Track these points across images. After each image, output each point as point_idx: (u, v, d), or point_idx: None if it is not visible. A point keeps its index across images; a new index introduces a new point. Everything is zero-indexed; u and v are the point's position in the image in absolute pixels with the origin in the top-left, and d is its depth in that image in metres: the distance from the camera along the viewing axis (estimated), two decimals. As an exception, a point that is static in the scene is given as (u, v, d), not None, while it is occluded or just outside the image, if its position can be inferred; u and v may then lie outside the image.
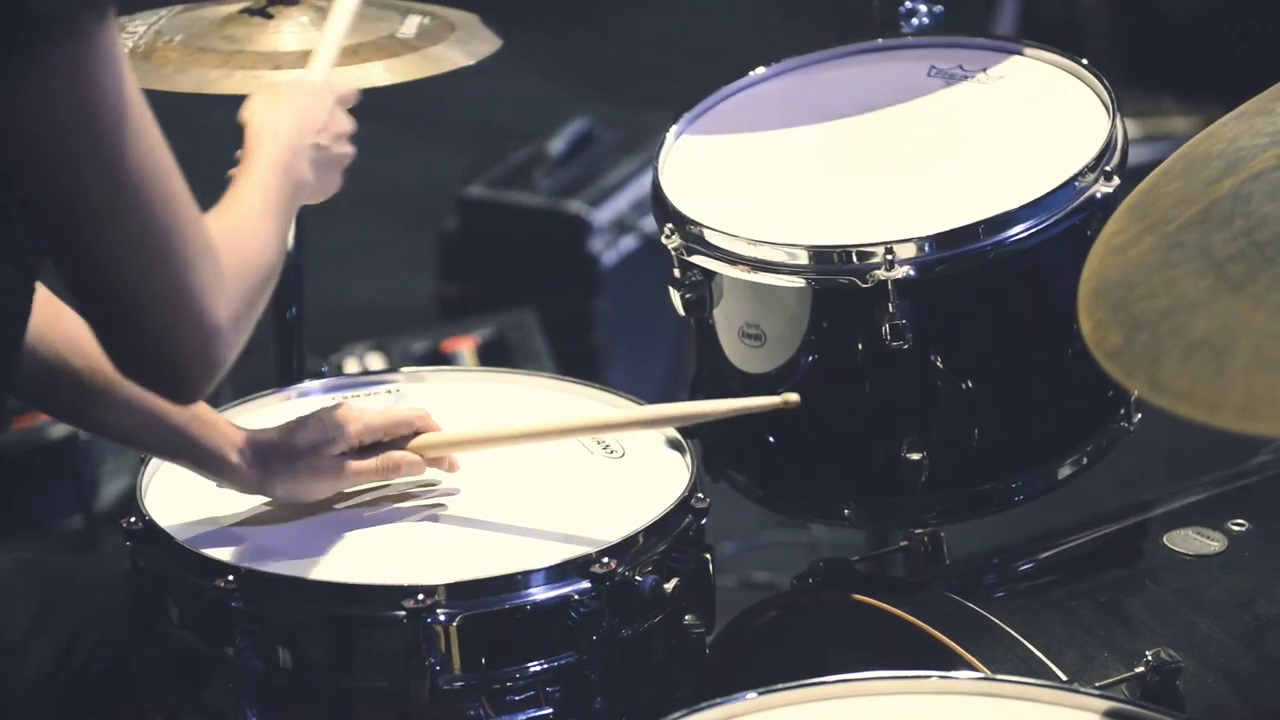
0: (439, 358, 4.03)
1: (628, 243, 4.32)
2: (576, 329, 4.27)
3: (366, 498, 2.30)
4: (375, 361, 3.99)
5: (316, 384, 2.52)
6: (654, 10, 6.08)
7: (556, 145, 4.44)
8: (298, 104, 2.15)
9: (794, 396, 2.23)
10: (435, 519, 2.27)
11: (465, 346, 4.08)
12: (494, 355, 4.06)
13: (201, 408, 2.21)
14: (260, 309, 1.96)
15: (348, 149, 2.20)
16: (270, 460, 2.23)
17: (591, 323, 4.29)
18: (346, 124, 2.21)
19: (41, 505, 3.56)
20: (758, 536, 3.89)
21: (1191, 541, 2.38)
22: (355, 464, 2.27)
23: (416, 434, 2.30)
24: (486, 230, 4.37)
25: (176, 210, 1.82)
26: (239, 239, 1.96)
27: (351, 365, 3.97)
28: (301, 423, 2.27)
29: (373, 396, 2.51)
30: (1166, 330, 1.74)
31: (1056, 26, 5.35)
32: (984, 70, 2.53)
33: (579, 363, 4.11)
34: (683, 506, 2.25)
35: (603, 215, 4.30)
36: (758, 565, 3.82)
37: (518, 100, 5.37)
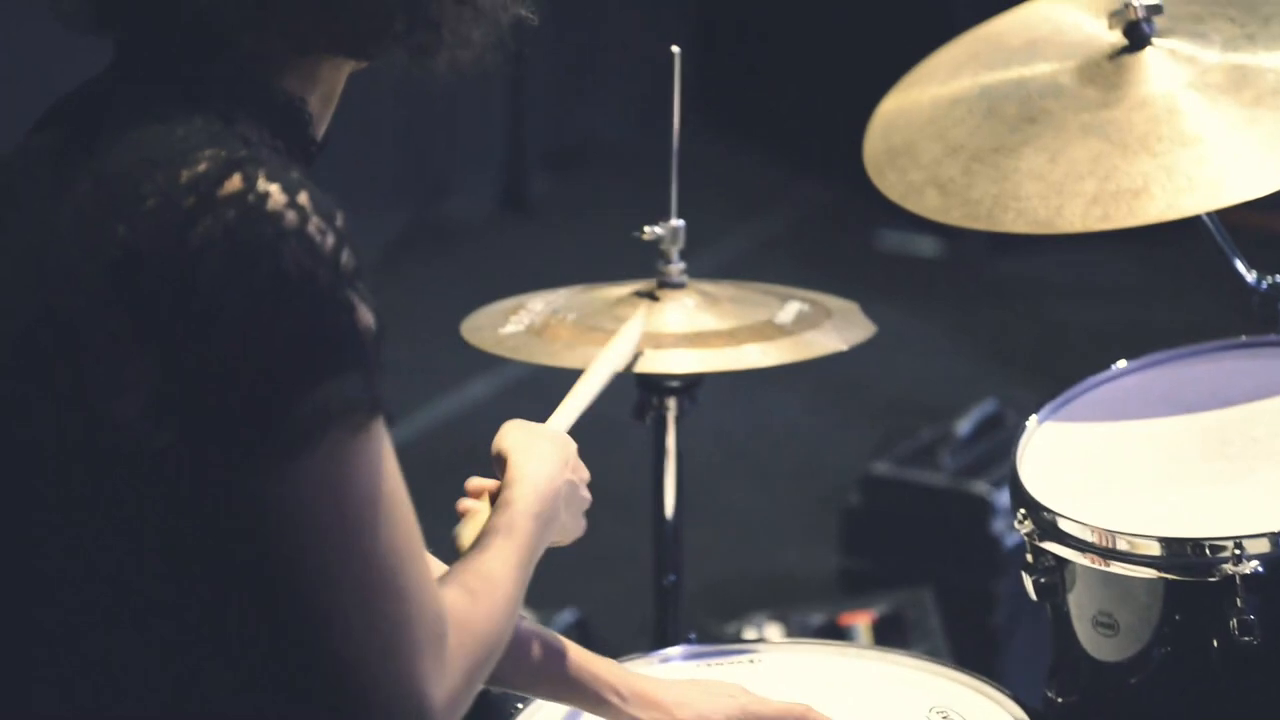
0: (835, 631, 4.08)
1: (1031, 526, 4.32)
2: (975, 610, 4.27)
3: None
4: (773, 631, 4.06)
5: (677, 650, 2.61)
6: (1077, 296, 6.12)
7: (963, 425, 4.49)
8: (556, 440, 2.17)
9: None
10: None
11: (862, 621, 4.13)
12: (889, 631, 4.09)
13: (576, 649, 2.28)
14: (481, 682, 1.88)
15: (587, 495, 2.20)
16: (649, 709, 2.29)
17: (991, 605, 4.29)
18: (586, 472, 2.21)
19: None
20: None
21: None
22: None
23: None
24: (890, 507, 4.43)
25: (414, 604, 1.78)
26: (476, 615, 1.88)
27: (750, 634, 4.05)
28: (690, 688, 2.33)
29: (733, 665, 2.59)
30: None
31: None
32: (1349, 372, 2.53)
33: (975, 645, 4.11)
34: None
35: (1006, 497, 4.30)
36: None
37: (933, 379, 5.46)
